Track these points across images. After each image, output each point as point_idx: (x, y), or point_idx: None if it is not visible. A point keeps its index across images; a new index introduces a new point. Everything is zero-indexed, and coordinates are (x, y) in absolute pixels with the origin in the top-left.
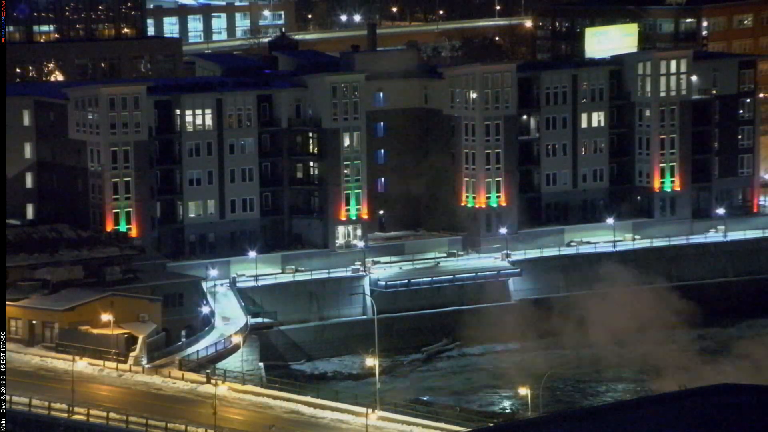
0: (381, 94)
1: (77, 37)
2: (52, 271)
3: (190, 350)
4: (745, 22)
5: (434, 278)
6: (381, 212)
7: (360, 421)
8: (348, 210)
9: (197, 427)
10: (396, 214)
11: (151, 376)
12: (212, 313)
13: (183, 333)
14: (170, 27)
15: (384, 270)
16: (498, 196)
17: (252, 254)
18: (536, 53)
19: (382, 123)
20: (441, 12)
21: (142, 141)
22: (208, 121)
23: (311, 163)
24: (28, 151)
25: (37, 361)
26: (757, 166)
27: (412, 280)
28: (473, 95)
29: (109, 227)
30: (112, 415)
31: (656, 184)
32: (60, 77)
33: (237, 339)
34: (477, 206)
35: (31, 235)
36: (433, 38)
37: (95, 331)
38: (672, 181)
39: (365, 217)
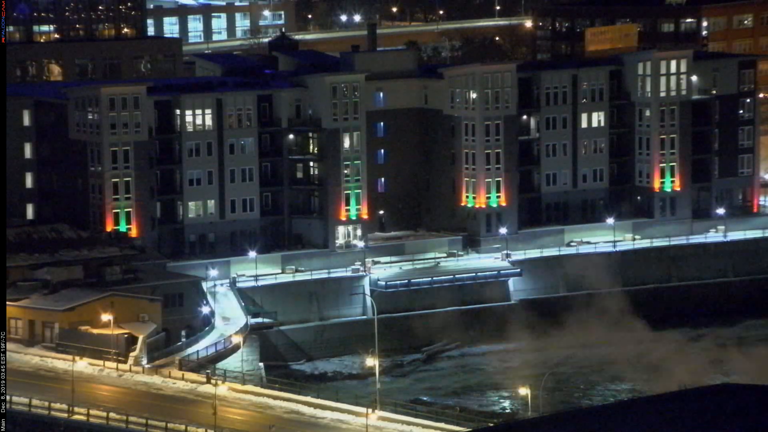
0: (381, 94)
1: (77, 37)
2: (52, 271)
3: (190, 350)
4: (745, 22)
5: (434, 278)
6: (381, 212)
7: (360, 421)
8: (348, 210)
9: (197, 427)
10: (396, 214)
11: (151, 376)
12: (212, 313)
13: (183, 333)
14: (170, 27)
15: (384, 270)
16: (498, 196)
17: (252, 254)
18: (536, 53)
19: (382, 123)
20: (441, 12)
21: (142, 141)
22: (208, 121)
23: (311, 163)
24: (28, 151)
25: (37, 361)
26: (757, 166)
27: (412, 280)
28: (473, 95)
29: (109, 227)
30: (112, 415)
31: (656, 184)
32: (60, 77)
33: (237, 339)
34: (477, 206)
35: (31, 235)
36: (433, 38)
37: (95, 331)
38: (672, 181)
39: (365, 217)
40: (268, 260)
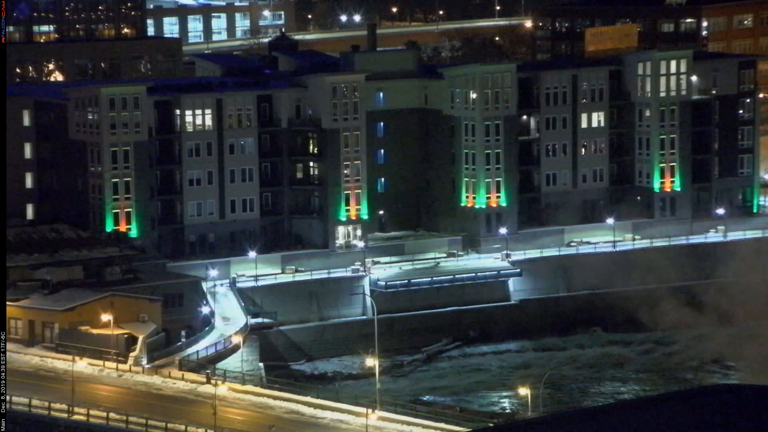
0: (381, 94)
1: (77, 37)
2: (52, 271)
3: (190, 350)
4: (745, 22)
5: (434, 278)
6: (381, 212)
7: (360, 421)
8: (348, 210)
9: (197, 427)
10: (396, 214)
11: (151, 376)
12: (212, 313)
13: (183, 333)
14: (170, 27)
15: (384, 270)
16: (498, 196)
17: (252, 254)
18: (536, 53)
19: (382, 123)
20: (441, 12)
21: (142, 141)
22: (208, 121)
23: (311, 163)
24: (28, 151)
25: (37, 361)
26: (757, 166)
27: (412, 280)
28: (473, 95)
29: (109, 227)
30: (112, 415)
31: (656, 184)
32: (60, 77)
33: (237, 339)
34: (477, 206)
35: (31, 235)
36: (433, 38)
37: (95, 331)
38: (672, 181)
39: (365, 217)
40: (268, 260)
